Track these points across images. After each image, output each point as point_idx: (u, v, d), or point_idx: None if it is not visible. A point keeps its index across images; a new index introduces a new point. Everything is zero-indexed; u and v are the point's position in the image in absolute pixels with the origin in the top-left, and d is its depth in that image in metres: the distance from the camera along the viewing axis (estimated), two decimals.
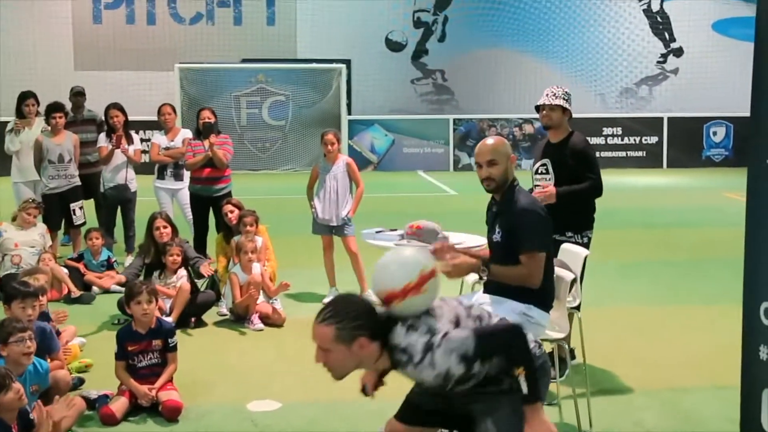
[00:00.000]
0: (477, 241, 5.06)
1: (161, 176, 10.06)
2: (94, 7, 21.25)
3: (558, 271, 4.91)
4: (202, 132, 9.14)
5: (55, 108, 9.82)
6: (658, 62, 23.31)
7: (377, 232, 6.15)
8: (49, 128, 9.81)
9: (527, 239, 4.55)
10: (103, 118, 10.38)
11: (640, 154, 21.77)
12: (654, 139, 21.76)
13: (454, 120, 21.28)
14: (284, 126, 20.80)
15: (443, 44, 22.43)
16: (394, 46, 22.32)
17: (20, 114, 10.17)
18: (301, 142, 20.41)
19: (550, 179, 6.15)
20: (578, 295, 5.41)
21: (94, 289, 8.68)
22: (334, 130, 8.87)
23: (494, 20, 22.45)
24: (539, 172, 6.25)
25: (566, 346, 5.74)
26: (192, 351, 6.84)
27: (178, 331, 7.26)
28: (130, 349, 5.57)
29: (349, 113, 20.96)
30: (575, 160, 6.06)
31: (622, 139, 21.73)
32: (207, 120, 9.18)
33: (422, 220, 5.46)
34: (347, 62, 21.09)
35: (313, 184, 8.53)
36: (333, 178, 8.36)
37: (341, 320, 3.29)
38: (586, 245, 6.10)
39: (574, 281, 5.21)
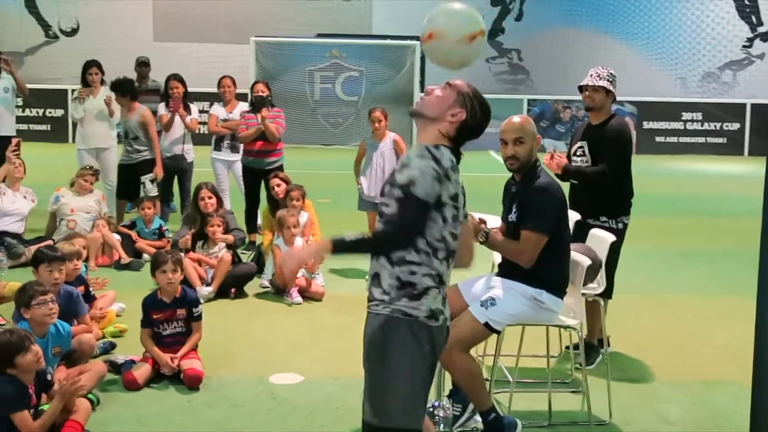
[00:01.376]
0: (496, 222, 4.97)
1: (218, 148, 10.18)
2: None
3: (574, 255, 4.79)
4: (254, 105, 9.19)
5: (115, 86, 9.93)
6: (744, 47, 22.59)
7: None
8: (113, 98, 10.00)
9: (533, 218, 4.49)
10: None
11: (720, 140, 21.19)
12: (736, 126, 21.15)
13: (529, 100, 21.02)
14: (357, 102, 20.81)
15: (520, 23, 22.13)
16: None
17: (85, 82, 10.37)
18: None
19: (586, 161, 6.01)
20: (603, 282, 5.28)
21: (144, 256, 8.82)
22: (382, 107, 8.81)
23: None
24: (576, 154, 6.11)
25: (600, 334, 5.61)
26: (224, 322, 6.92)
27: (214, 301, 7.44)
28: (155, 317, 5.65)
29: (422, 91, 20.71)
30: (606, 144, 5.91)
31: (702, 125, 21.17)
32: (260, 93, 9.23)
33: None
34: None
35: (360, 161, 8.52)
36: (380, 156, 8.33)
37: (478, 100, 3.45)
38: (622, 231, 5.95)
39: (597, 267, 5.08)
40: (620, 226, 5.95)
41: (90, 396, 5.13)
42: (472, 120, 3.42)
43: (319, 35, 21.14)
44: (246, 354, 6.19)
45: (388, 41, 20.68)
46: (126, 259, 8.62)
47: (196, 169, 10.49)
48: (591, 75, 6.02)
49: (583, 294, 5.13)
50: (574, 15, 22.00)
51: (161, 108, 10.14)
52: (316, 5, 21.70)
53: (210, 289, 7.48)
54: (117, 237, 8.88)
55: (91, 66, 10.43)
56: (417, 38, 20.49)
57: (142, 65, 11.39)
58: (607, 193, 5.92)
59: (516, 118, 4.75)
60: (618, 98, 6.27)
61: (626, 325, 6.86)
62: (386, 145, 8.36)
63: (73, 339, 5.49)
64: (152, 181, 10.00)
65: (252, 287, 7.86)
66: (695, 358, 6.26)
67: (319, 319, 7.07)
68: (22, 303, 5.16)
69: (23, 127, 19.43)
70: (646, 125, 21.19)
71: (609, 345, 6.20)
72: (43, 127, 20.42)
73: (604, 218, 5.93)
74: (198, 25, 21.20)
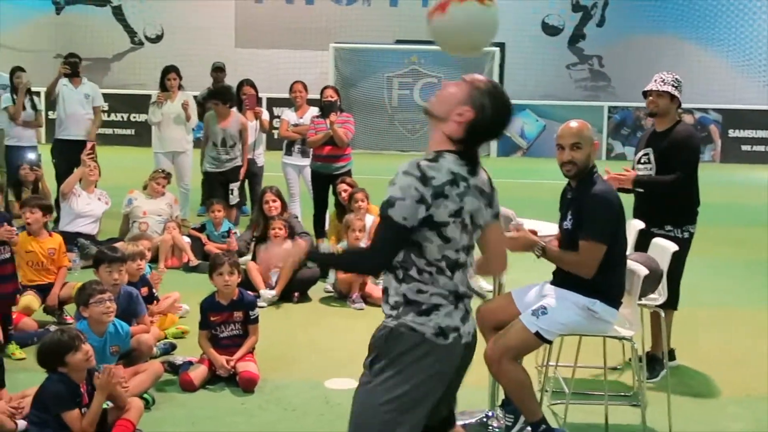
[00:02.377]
0: (553, 229, 4.86)
1: (289, 152, 10.24)
2: None
3: (631, 264, 4.66)
4: (323, 110, 9.22)
5: (215, 94, 9.97)
6: None
7: None
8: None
9: (590, 227, 4.37)
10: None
11: None
12: None
13: (609, 107, 20.67)
14: None
15: (602, 29, 21.78)
16: (551, 30, 21.85)
17: (163, 87, 10.55)
18: None
19: (651, 169, 5.85)
20: (664, 293, 5.12)
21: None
22: None
23: (657, 5, 21.59)
24: (641, 161, 5.95)
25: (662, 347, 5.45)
26: (285, 325, 6.94)
27: (277, 305, 7.47)
28: (212, 319, 5.69)
29: None
30: (675, 151, 5.73)
31: None
32: (328, 99, 9.25)
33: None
34: (501, 45, 20.81)
35: None
36: None
37: (492, 95, 3.12)
38: (687, 240, 5.78)
39: (658, 278, 4.94)
40: (686, 235, 5.78)
41: (145, 396, 5.19)
42: (482, 120, 3.07)
43: (398, 41, 21.15)
44: (304, 358, 6.19)
45: None
46: (194, 261, 8.73)
47: (269, 174, 10.59)
48: (655, 80, 5.86)
49: (643, 305, 4.99)
50: (657, 21, 21.56)
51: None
52: (396, 12, 21.72)
53: (273, 292, 7.52)
54: (187, 239, 9.01)
55: (169, 71, 10.62)
56: (495, 44, 20.43)
57: (218, 70, 11.55)
58: (673, 202, 5.75)
59: (573, 123, 4.65)
60: (702, 106, 6.12)
61: (693, 337, 6.66)
62: None
63: (132, 339, 5.57)
64: (237, 188, 10.08)
65: (316, 291, 7.88)
66: (765, 374, 6.03)
67: None
68: (81, 301, 5.26)
69: (108, 131, 20.00)
70: (732, 133, 20.61)
71: (674, 358, 6.04)
72: (128, 132, 20.86)
73: (669, 227, 5.75)
74: (279, 32, 21.42)
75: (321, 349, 6.40)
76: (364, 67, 20.69)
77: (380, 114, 20.87)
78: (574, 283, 4.43)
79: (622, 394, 5.52)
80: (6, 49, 21.03)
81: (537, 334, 4.36)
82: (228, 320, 5.70)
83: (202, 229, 9.34)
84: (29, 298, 6.67)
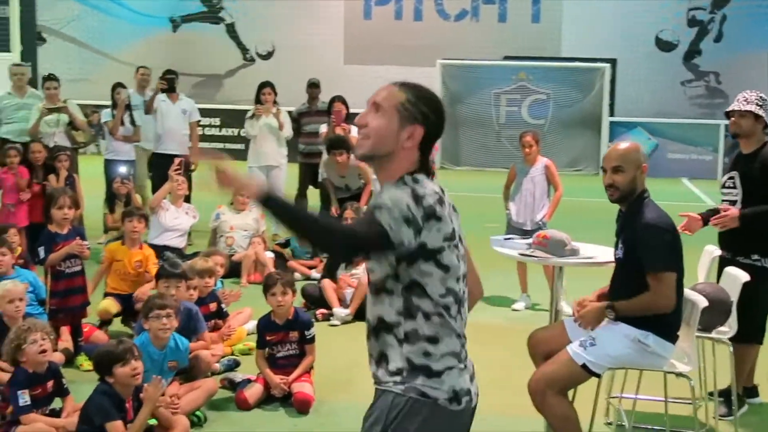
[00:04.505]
0: (610, 256, 4.62)
1: None
2: (366, 3, 21.96)
3: (689, 294, 4.38)
4: None
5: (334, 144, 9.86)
6: None
7: (506, 239, 5.82)
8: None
9: (652, 259, 4.11)
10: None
11: None
12: None
13: (726, 126, 19.85)
14: (543, 125, 20.36)
15: (719, 44, 20.98)
16: (665, 46, 21.18)
17: (258, 102, 10.69)
18: (560, 143, 19.90)
19: (737, 195, 5.50)
20: (734, 325, 4.81)
21: (296, 275, 8.92)
22: (533, 131, 8.55)
23: None
24: (726, 185, 5.61)
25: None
26: (355, 345, 6.81)
27: (351, 324, 7.39)
28: (268, 338, 5.66)
29: (611, 114, 20.22)
30: (762, 174, 5.37)
31: None
32: None
33: (552, 230, 5.09)
34: (612, 61, 20.33)
35: (509, 186, 8.27)
36: (530, 181, 8.06)
37: (419, 98, 2.74)
38: None
39: (727, 309, 4.64)
40: None
41: (197, 413, 5.19)
42: (433, 127, 2.73)
43: (506, 58, 20.92)
44: (367, 380, 6.06)
45: (577, 63, 20.18)
46: None
47: None
48: (738, 99, 5.53)
49: (709, 337, 4.70)
50: None
51: (323, 127, 10.29)
52: (504, 28, 21.50)
53: (347, 311, 7.45)
54: (270, 255, 9.04)
55: (264, 86, 10.75)
56: (606, 60, 20.00)
57: (313, 86, 11.59)
58: (762, 230, 5.38)
59: (621, 145, 4.43)
60: None
61: None
62: (537, 170, 8.07)
63: (190, 355, 5.59)
64: None
65: None
66: None
67: None
68: (143, 314, 5.31)
69: (219, 146, 20.41)
70: None
71: (757, 394, 5.68)
72: (239, 146, 21.19)
73: (756, 256, 5.38)
74: (387, 48, 21.47)
75: None
76: (471, 84, 20.56)
77: (487, 131, 20.67)
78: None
79: (687, 429, 5.19)
80: (124, 65, 21.74)
81: (584, 366, 4.14)
82: (284, 340, 5.65)
83: (286, 244, 9.37)
84: (108, 302, 6.80)
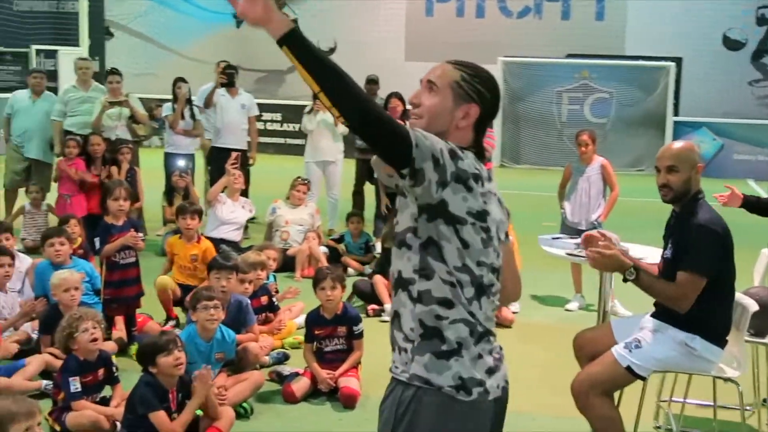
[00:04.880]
0: (659, 257, 4.54)
1: None
2: (427, 0, 21.93)
3: (741, 299, 4.29)
4: None
5: None
6: None
7: (554, 238, 5.75)
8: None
9: (692, 258, 4.02)
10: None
11: None
12: None
13: None
14: (606, 124, 20.15)
15: None
16: (732, 45, 20.75)
17: (317, 97, 10.73)
18: (622, 142, 19.64)
19: None
20: None
21: (349, 270, 8.96)
22: (590, 130, 8.44)
23: None
24: None
25: None
26: None
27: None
28: (316, 332, 5.68)
29: (676, 114, 19.88)
30: None
31: None
32: None
33: (601, 230, 5.01)
34: (677, 60, 20.00)
35: (565, 185, 8.19)
36: (586, 180, 7.97)
37: (474, 76, 2.65)
38: None
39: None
40: None
41: (244, 405, 5.24)
42: (488, 106, 2.65)
43: (569, 55, 20.71)
44: None
45: (641, 62, 19.89)
46: None
47: None
48: None
49: (764, 343, 4.60)
50: None
51: None
52: (568, 25, 21.29)
53: None
54: (324, 250, 9.08)
55: None
56: (671, 59, 19.66)
57: (371, 83, 11.61)
58: None
59: (676, 144, 4.35)
60: None
61: None
62: (593, 169, 7.98)
63: (239, 347, 5.64)
64: None
65: None
66: None
67: (504, 347, 6.82)
68: (191, 305, 5.38)
69: (280, 140, 20.61)
70: None
71: None
72: (300, 142, 21.33)
73: None
74: (448, 45, 21.36)
75: None
76: (533, 81, 20.41)
77: (549, 129, 20.50)
78: (675, 317, 4.11)
79: None
80: (190, 61, 22.06)
81: (628, 368, 4.08)
82: (332, 334, 5.67)
83: (340, 240, 9.41)
84: (166, 279, 6.90)
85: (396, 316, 2.66)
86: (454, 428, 2.55)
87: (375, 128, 2.38)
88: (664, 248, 4.29)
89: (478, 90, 2.63)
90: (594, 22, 21.23)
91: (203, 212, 8.21)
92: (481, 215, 2.54)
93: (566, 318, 7.64)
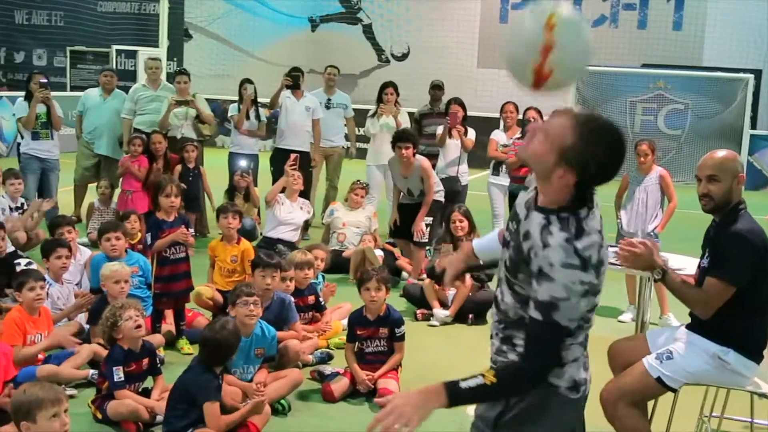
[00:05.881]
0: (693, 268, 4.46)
1: (496, 172, 10.14)
2: (502, 7, 21.83)
3: None
4: (523, 132, 9.05)
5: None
6: None
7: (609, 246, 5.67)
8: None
9: (723, 265, 3.97)
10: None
11: None
12: None
13: None
14: (680, 136, 19.79)
15: None
16: None
17: (381, 101, 10.84)
18: (697, 154, 19.17)
19: None
20: None
21: (403, 274, 8.97)
22: (649, 139, 8.30)
23: None
24: None
25: None
26: (452, 346, 6.85)
27: (451, 325, 7.38)
28: (358, 333, 5.71)
29: (753, 127, 19.41)
30: None
31: None
32: (530, 119, 9.07)
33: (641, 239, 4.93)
34: (757, 72, 19.54)
35: (622, 194, 8.09)
36: (643, 190, 7.86)
37: (591, 143, 2.57)
38: None
39: None
40: None
41: (282, 402, 5.30)
42: (590, 178, 2.61)
43: (645, 65, 20.40)
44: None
45: (719, 73, 19.48)
46: None
47: (474, 193, 10.51)
48: None
49: None
50: None
51: (439, 129, 10.30)
52: (644, 35, 20.97)
53: (447, 312, 7.44)
54: (380, 253, 9.11)
55: (387, 86, 10.94)
56: (750, 71, 19.21)
57: (436, 88, 11.61)
58: None
59: (718, 153, 4.25)
60: None
61: None
62: (651, 179, 7.87)
63: (280, 344, 5.70)
64: None
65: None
66: None
67: None
68: (230, 301, 5.46)
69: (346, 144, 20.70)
70: None
71: None
72: (364, 146, 21.52)
73: None
74: None
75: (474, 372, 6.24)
76: (606, 90, 20.12)
77: None
78: (709, 330, 4.04)
79: None
80: (265, 63, 22.35)
81: (659, 379, 4.02)
82: (374, 335, 5.70)
83: (395, 243, 9.42)
84: (203, 287, 6.91)
85: (505, 340, 2.95)
86: (563, 423, 2.83)
87: (551, 364, 2.71)
88: (701, 257, 4.22)
89: (583, 161, 2.59)
90: (671, 31, 20.88)
91: (243, 214, 8.16)
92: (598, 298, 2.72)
93: (618, 330, 7.51)
